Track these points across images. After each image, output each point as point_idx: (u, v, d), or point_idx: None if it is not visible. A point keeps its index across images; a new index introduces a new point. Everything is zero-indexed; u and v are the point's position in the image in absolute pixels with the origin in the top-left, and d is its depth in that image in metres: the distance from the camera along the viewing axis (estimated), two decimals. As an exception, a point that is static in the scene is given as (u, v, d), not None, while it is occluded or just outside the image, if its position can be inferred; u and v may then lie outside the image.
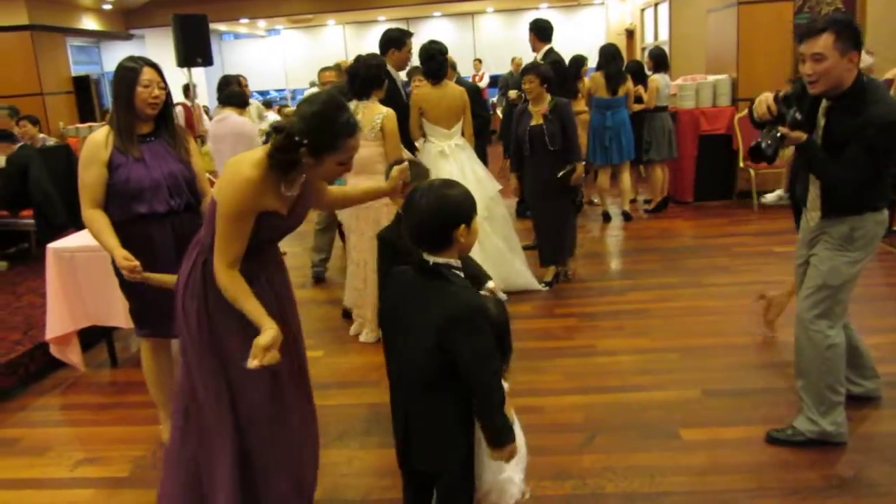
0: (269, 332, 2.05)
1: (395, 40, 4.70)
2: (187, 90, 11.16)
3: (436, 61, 4.81)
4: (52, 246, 4.10)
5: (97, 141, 2.89)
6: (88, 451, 3.34)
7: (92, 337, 4.39)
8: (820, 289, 2.78)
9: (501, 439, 1.88)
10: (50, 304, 4.04)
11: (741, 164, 7.20)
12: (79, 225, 3.96)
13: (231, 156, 5.36)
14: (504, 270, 4.88)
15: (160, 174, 2.90)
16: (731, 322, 4.26)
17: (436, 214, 1.83)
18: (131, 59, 2.96)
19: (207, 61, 8.58)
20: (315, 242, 5.74)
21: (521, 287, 5.02)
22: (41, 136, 7.07)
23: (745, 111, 3.23)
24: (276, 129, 2.08)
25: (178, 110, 9.92)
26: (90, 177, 2.85)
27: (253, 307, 2.13)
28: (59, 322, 4.03)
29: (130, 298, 3.07)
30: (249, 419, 2.30)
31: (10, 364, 4.10)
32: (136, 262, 2.73)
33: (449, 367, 1.82)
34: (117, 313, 3.87)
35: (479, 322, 1.81)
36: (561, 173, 4.83)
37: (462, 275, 1.91)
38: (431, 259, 1.87)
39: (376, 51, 4.73)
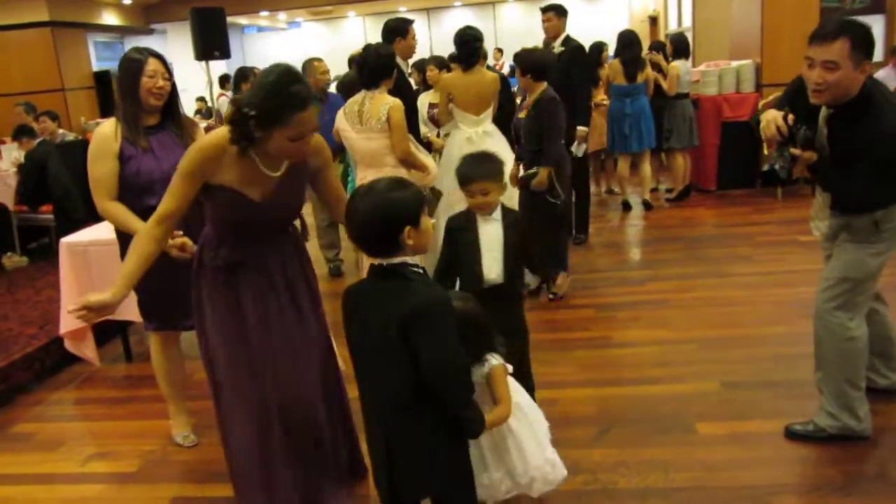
0: (107, 295, 2.09)
1: (398, 29, 4.63)
2: (225, 82, 11.17)
3: (469, 47, 4.78)
4: (65, 240, 4.12)
5: (106, 133, 2.89)
6: (100, 446, 3.35)
7: (107, 332, 4.40)
8: (840, 281, 2.67)
9: (474, 430, 1.83)
10: (64, 298, 4.06)
11: (765, 152, 7.02)
12: (98, 220, 3.97)
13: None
14: None
15: (169, 166, 2.86)
16: (752, 313, 4.15)
17: (376, 217, 1.72)
18: (136, 49, 2.94)
19: (225, 54, 8.61)
20: (323, 240, 5.69)
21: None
22: (60, 131, 7.13)
23: (769, 98, 3.08)
24: (231, 101, 2.10)
25: (223, 100, 9.95)
26: (102, 170, 2.85)
27: (125, 266, 2.18)
28: (73, 317, 4.04)
29: (138, 290, 3.05)
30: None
31: (26, 358, 4.13)
32: (185, 238, 2.74)
33: (413, 371, 1.71)
34: (131, 307, 3.84)
35: (441, 316, 1.70)
36: (521, 174, 4.46)
37: (421, 272, 1.80)
38: (385, 261, 1.76)
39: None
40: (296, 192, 2.31)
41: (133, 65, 2.83)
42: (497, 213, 2.72)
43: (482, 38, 4.88)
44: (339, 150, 5.25)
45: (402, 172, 3.98)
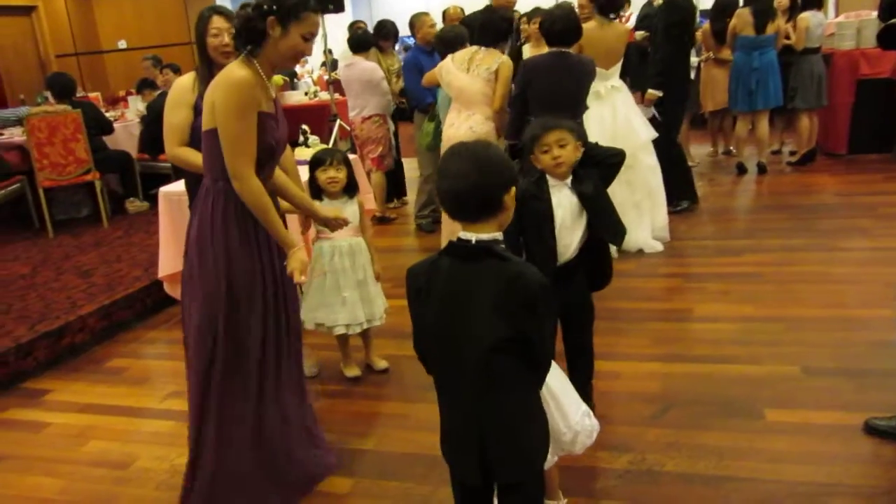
0: (303, 251, 2.25)
1: None
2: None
3: None
4: (163, 189, 4.36)
5: (184, 85, 3.00)
6: (179, 385, 3.54)
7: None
8: None
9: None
10: (161, 244, 4.31)
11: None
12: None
13: (358, 102, 5.59)
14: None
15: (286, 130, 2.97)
16: (855, 292, 3.78)
17: (483, 173, 1.55)
18: (207, 7, 3.01)
19: (339, 7, 8.70)
20: (421, 196, 5.73)
21: (639, 246, 4.75)
22: (181, 83, 7.48)
23: None
24: (243, 5, 2.17)
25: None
26: (178, 118, 2.96)
27: (278, 222, 2.26)
28: (169, 261, 4.29)
29: None
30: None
31: (128, 298, 4.44)
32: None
33: (519, 355, 1.60)
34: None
35: (549, 302, 1.62)
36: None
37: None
38: (473, 236, 1.58)
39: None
40: (284, 120, 2.40)
41: (199, 23, 2.92)
42: (568, 181, 2.54)
43: None
44: (429, 105, 5.23)
45: (487, 125, 4.27)
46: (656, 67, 5.19)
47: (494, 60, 4.27)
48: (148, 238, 5.81)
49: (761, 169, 6.41)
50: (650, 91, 5.17)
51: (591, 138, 2.93)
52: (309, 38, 2.20)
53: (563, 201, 2.54)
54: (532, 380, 1.69)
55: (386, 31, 6.13)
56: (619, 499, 2.39)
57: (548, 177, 2.56)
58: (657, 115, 5.18)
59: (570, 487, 2.46)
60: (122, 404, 3.42)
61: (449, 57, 4.44)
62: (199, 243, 2.36)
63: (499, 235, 1.61)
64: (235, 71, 2.17)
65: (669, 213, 5.14)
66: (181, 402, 3.35)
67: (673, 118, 5.32)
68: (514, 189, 1.60)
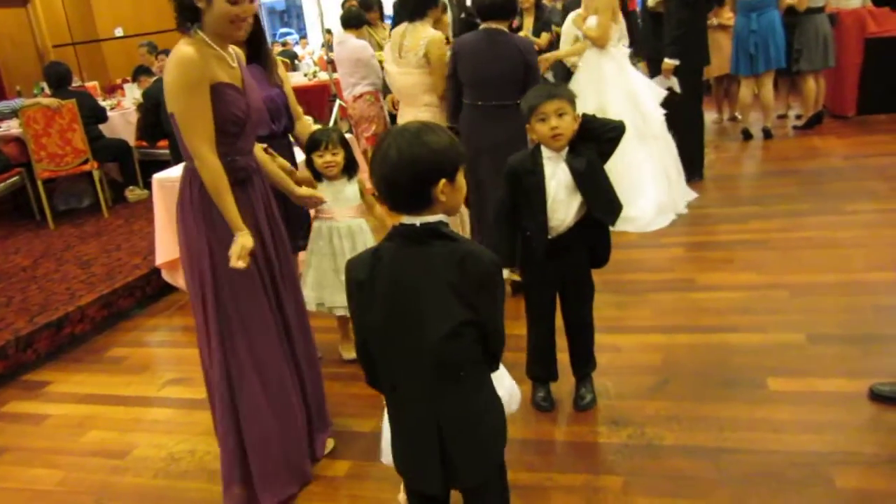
0: (249, 236, 2.19)
1: None
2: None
3: None
4: (157, 176, 4.31)
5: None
6: (179, 372, 3.54)
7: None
8: None
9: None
10: (158, 231, 4.28)
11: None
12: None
13: (350, 81, 5.51)
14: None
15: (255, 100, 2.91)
16: (862, 256, 3.70)
17: (408, 166, 1.43)
18: None
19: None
20: None
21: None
22: (177, 69, 7.42)
23: None
24: None
25: None
26: None
27: (231, 205, 2.18)
28: (166, 248, 4.26)
29: None
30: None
31: (128, 287, 4.43)
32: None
33: (474, 340, 1.51)
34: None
35: (501, 281, 1.56)
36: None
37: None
38: (417, 220, 1.48)
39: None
40: (255, 87, 2.36)
41: None
42: (564, 154, 2.47)
43: None
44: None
45: (438, 113, 3.88)
46: (672, 34, 5.02)
47: (421, 42, 3.75)
48: (148, 226, 5.77)
49: (767, 134, 6.29)
50: (667, 60, 5.01)
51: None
52: (234, 1, 2.12)
53: (558, 174, 2.47)
54: (486, 365, 1.59)
55: (368, 2, 6.01)
56: (619, 473, 2.35)
57: (543, 148, 2.49)
58: (676, 87, 5.03)
59: (569, 463, 2.43)
60: (121, 393, 3.41)
61: (388, 43, 4.08)
62: (182, 227, 2.33)
63: (444, 218, 1.50)
64: (178, 49, 2.13)
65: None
66: (181, 389, 3.36)
67: (693, 86, 5.17)
68: (446, 180, 1.46)
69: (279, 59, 3.47)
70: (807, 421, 2.46)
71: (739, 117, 6.93)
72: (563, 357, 2.79)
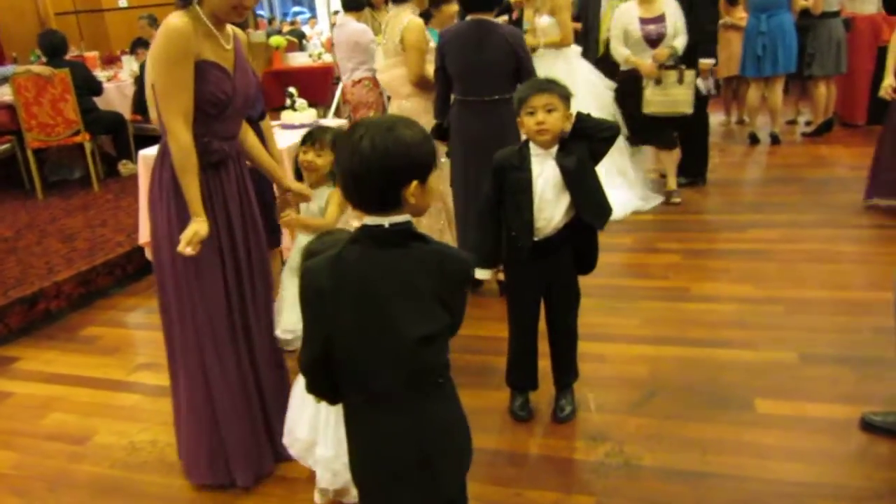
0: (204, 224, 2.07)
1: None
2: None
3: None
4: (143, 152, 4.18)
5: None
6: (151, 356, 3.43)
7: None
8: None
9: None
10: (142, 208, 4.16)
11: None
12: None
13: (348, 66, 5.37)
14: None
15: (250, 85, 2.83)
16: (862, 273, 3.58)
17: (380, 161, 1.31)
18: None
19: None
20: None
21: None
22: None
23: None
24: None
25: None
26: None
27: (194, 187, 2.08)
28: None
29: None
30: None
31: (107, 264, 4.31)
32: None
33: (445, 341, 1.44)
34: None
35: (469, 279, 1.48)
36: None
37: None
38: (385, 221, 1.36)
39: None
40: (247, 72, 2.26)
41: None
42: (554, 151, 2.35)
43: None
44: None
45: (422, 103, 3.78)
46: (697, 33, 4.78)
47: (398, 28, 3.70)
48: (136, 202, 5.65)
49: (774, 139, 6.14)
50: (702, 61, 4.83)
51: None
52: None
53: (546, 172, 2.35)
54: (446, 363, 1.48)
55: None
56: (592, 493, 2.24)
57: (531, 145, 2.37)
58: (711, 89, 4.95)
59: (542, 479, 2.32)
60: (90, 375, 3.30)
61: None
62: (150, 205, 2.24)
63: (411, 219, 1.38)
64: (168, 21, 2.03)
65: (680, 185, 4.97)
66: (151, 374, 3.26)
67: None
68: (418, 182, 1.34)
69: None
70: (794, 448, 2.34)
71: (747, 120, 6.77)
72: (545, 364, 2.67)
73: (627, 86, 4.74)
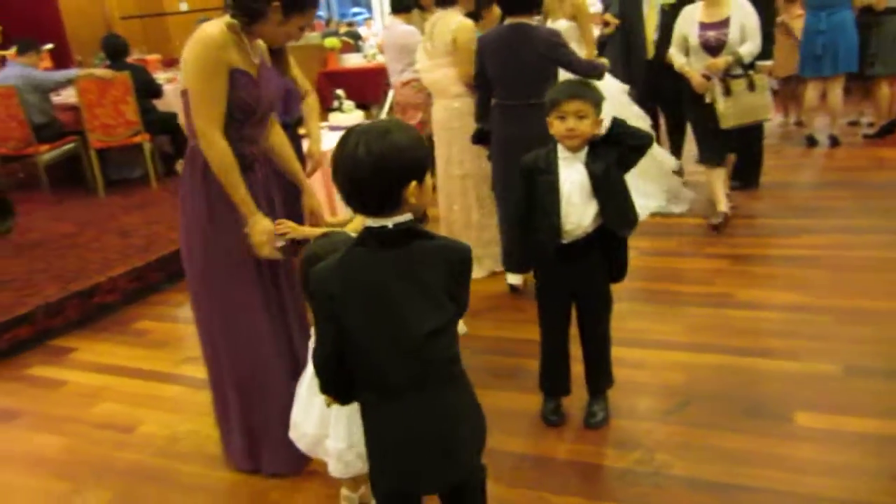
0: (265, 219, 2.16)
1: None
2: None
3: None
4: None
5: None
6: (195, 350, 3.48)
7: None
8: None
9: None
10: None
11: None
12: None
13: (396, 67, 5.43)
14: None
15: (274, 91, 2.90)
16: (919, 284, 3.43)
17: (377, 164, 1.36)
18: None
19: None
20: None
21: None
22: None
23: None
24: None
25: None
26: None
27: (241, 186, 2.14)
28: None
29: None
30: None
31: (161, 260, 4.47)
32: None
33: (453, 331, 1.52)
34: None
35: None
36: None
37: None
38: (389, 222, 1.40)
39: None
40: (272, 78, 2.34)
41: None
42: (583, 155, 2.35)
43: None
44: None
45: (467, 104, 3.81)
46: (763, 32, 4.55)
47: (449, 28, 3.70)
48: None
49: (833, 141, 5.93)
50: (760, 63, 4.58)
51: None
52: (304, 28, 2.22)
53: (573, 176, 2.34)
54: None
55: None
56: (617, 501, 2.22)
57: (559, 148, 2.37)
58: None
59: (568, 484, 2.32)
60: (139, 367, 3.44)
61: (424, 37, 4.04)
62: (181, 205, 2.31)
63: (411, 217, 1.43)
64: (206, 28, 2.10)
65: (733, 188, 4.85)
66: (196, 367, 3.33)
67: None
68: (417, 181, 1.40)
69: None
70: (830, 463, 2.27)
71: (805, 122, 6.56)
72: (579, 370, 2.66)
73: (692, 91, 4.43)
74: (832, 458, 2.30)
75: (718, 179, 4.49)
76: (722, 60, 4.15)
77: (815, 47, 5.68)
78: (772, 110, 4.35)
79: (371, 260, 1.43)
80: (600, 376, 2.64)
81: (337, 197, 3.22)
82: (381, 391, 1.49)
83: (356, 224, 2.16)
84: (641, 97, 5.07)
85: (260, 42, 2.28)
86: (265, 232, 2.15)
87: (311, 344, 1.95)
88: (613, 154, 2.30)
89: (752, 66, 4.33)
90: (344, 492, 2.20)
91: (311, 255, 1.73)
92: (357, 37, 12.64)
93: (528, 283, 3.54)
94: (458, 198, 4.01)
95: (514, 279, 3.73)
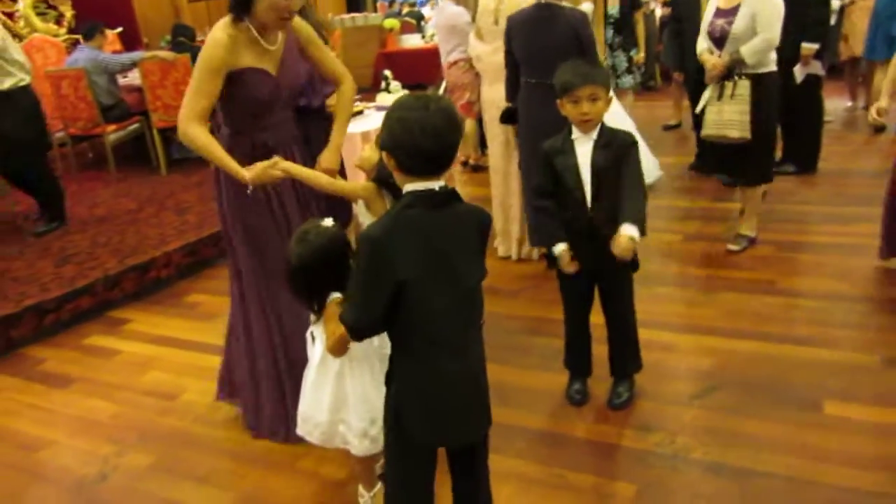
0: (252, 168, 2.21)
1: None
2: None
3: None
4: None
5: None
6: (241, 323, 3.69)
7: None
8: None
9: None
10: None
11: None
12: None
13: (445, 48, 5.46)
14: None
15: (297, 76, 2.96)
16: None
17: (457, 131, 1.54)
18: None
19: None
20: None
21: None
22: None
23: None
24: None
25: None
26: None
27: (224, 157, 2.24)
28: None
29: None
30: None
31: (213, 236, 4.64)
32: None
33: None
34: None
35: None
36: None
37: None
38: (434, 184, 1.55)
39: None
40: (296, 64, 2.42)
41: None
42: (594, 134, 2.38)
43: None
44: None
45: None
46: (804, 16, 4.36)
47: (507, 13, 3.59)
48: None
49: (900, 128, 5.69)
50: (805, 45, 4.52)
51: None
52: None
53: (584, 157, 2.40)
54: None
55: None
56: (633, 481, 2.24)
57: (573, 128, 2.41)
58: (819, 70, 4.65)
59: (586, 463, 2.34)
60: (188, 338, 3.60)
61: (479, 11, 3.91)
62: (215, 184, 2.43)
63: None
64: (215, 31, 2.23)
65: (787, 173, 4.72)
66: (238, 340, 3.49)
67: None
68: None
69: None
70: (856, 453, 2.23)
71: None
72: (604, 352, 2.67)
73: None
74: (860, 449, 2.25)
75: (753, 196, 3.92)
76: (720, 62, 3.62)
77: (890, 28, 5.44)
78: (745, 129, 3.54)
79: (424, 219, 1.55)
80: (625, 359, 2.65)
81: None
82: (429, 340, 1.59)
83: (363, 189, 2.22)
84: (693, 88, 4.96)
85: (295, 25, 2.35)
86: (258, 174, 2.21)
87: (310, 343, 2.06)
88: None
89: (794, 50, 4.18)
90: (360, 490, 2.25)
91: (303, 231, 1.95)
92: (420, 17, 12.68)
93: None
94: (515, 180, 4.01)
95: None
